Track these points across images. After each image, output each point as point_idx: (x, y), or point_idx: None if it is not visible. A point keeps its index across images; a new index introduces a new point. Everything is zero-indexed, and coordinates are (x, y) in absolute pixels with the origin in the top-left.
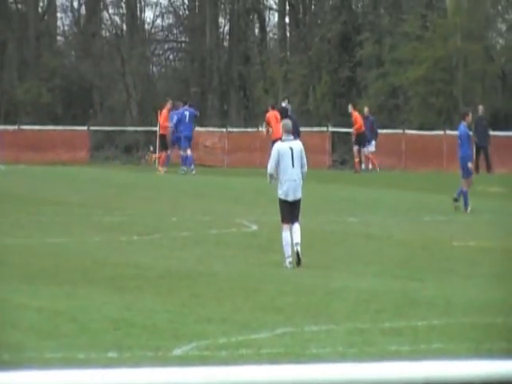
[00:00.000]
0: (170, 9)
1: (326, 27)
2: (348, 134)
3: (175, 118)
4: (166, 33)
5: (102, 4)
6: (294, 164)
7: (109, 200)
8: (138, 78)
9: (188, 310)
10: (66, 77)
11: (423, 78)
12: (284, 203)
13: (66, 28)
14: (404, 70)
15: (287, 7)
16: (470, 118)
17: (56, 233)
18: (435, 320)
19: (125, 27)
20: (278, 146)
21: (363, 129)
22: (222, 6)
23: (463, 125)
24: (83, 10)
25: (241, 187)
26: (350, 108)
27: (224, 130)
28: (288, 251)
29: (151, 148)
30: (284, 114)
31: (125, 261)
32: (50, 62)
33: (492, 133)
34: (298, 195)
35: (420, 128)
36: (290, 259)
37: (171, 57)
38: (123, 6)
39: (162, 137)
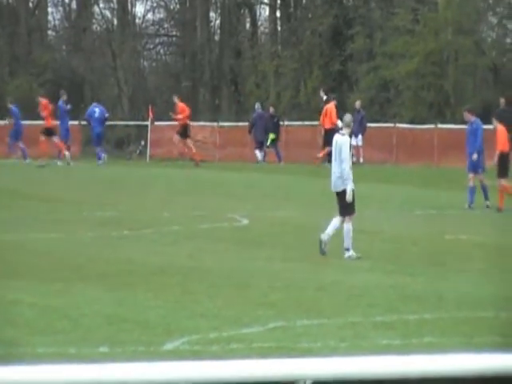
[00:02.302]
0: (161, 3)
1: (317, 21)
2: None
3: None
4: (157, 27)
5: None
6: (336, 157)
7: (100, 195)
8: (129, 73)
9: (180, 305)
10: (56, 71)
11: (414, 71)
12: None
13: (56, 22)
14: (395, 63)
15: (278, 1)
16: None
17: (48, 229)
18: (427, 314)
19: (116, 22)
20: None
21: (187, 121)
22: (213, 0)
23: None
24: (74, 5)
25: (232, 182)
26: (175, 99)
27: (215, 124)
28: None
29: (142, 143)
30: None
31: (117, 257)
32: (41, 56)
33: (484, 126)
34: (339, 188)
35: (411, 122)
36: (350, 252)
37: (162, 51)
38: (114, 0)
39: (329, 132)
